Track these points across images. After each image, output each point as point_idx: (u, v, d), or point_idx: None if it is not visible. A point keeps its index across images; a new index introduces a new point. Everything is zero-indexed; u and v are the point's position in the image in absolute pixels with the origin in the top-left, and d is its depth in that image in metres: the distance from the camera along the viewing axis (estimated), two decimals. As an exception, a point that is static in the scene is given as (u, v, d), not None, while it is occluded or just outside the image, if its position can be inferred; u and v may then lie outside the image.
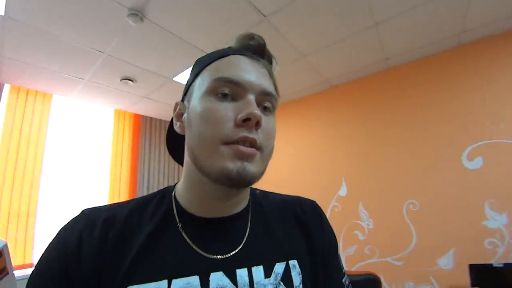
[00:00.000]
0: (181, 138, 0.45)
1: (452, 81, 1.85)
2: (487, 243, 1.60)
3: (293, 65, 2.06)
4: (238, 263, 0.38)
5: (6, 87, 2.29)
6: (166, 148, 0.54)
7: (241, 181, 0.36)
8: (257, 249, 0.40)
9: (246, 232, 0.42)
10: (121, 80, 2.19)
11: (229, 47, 0.45)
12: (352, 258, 2.07)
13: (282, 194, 0.54)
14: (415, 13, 1.54)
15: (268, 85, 0.41)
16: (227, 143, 0.36)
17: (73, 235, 0.37)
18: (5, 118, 2.28)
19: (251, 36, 0.44)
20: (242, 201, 0.45)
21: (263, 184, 0.47)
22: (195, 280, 0.35)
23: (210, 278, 0.36)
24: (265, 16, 1.52)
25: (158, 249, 0.37)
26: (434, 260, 1.73)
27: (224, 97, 0.38)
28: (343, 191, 2.20)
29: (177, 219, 0.41)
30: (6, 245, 0.51)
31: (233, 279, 0.37)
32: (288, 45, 1.80)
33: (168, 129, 0.51)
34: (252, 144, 0.37)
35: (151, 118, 3.27)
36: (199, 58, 0.47)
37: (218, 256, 0.38)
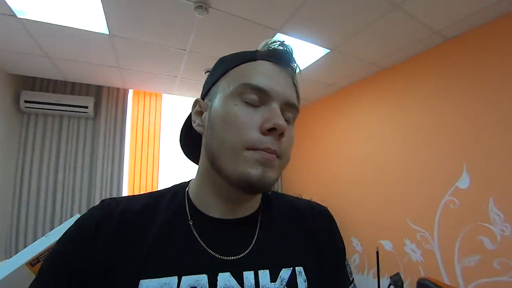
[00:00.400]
0: (195, 135, 0.46)
1: None
2: None
3: (388, 16, 1.64)
4: (246, 265, 0.39)
5: (130, 92, 2.93)
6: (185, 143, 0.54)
7: (260, 187, 0.37)
8: (264, 253, 0.41)
9: (255, 235, 0.42)
10: (205, 72, 2.37)
11: (256, 51, 0.44)
12: (471, 271, 1.55)
13: (294, 197, 0.54)
14: None
15: (292, 96, 0.42)
16: (251, 148, 0.37)
17: (91, 222, 0.38)
18: (131, 116, 2.93)
19: (280, 43, 0.43)
20: (254, 205, 0.46)
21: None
22: (203, 278, 0.36)
23: (218, 278, 0.37)
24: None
25: (169, 245, 0.38)
26: None
27: (250, 103, 0.39)
28: (463, 183, 1.65)
29: (189, 217, 0.42)
30: None
31: (240, 281, 0.37)
32: None
33: (184, 125, 0.51)
34: (273, 152, 0.38)
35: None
36: (223, 57, 0.47)
37: (227, 257, 0.39)
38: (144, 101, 3.00)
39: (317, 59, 2.09)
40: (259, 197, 0.47)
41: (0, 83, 2.22)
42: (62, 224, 0.59)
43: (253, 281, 0.38)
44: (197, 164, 0.48)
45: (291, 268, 0.40)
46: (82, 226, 0.39)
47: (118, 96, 2.88)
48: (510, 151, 1.46)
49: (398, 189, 2.05)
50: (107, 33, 1.74)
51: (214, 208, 0.42)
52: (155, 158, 2.99)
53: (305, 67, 2.23)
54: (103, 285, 0.35)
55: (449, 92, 1.78)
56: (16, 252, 1.97)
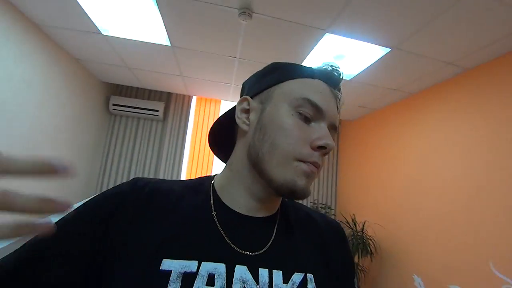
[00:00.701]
0: (227, 129, 0.51)
1: None
2: None
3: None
4: (262, 263, 0.40)
5: (194, 98, 3.22)
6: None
7: (302, 196, 0.41)
8: (279, 255, 0.42)
9: (272, 236, 0.44)
10: (256, 79, 2.40)
11: (313, 68, 0.46)
12: None
13: (309, 208, 0.55)
14: None
15: (337, 119, 0.45)
16: (301, 160, 0.40)
17: (120, 192, 0.42)
18: (194, 120, 3.21)
19: (335, 68, 0.45)
20: (276, 206, 0.48)
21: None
22: (221, 267, 0.37)
23: (235, 269, 0.38)
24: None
25: (192, 231, 0.40)
26: None
27: (305, 116, 0.42)
28: None
29: (212, 208, 0.44)
30: None
31: (255, 276, 0.38)
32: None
33: (219, 119, 0.51)
34: (318, 166, 0.41)
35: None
36: (277, 64, 0.48)
37: (245, 252, 0.40)
38: (205, 106, 3.25)
39: (375, 60, 1.86)
40: (279, 201, 0.49)
41: (95, 89, 2.76)
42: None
43: (267, 279, 0.38)
44: (216, 154, 0.55)
45: (303, 273, 0.41)
46: (111, 194, 0.42)
47: (183, 102, 3.20)
48: None
49: (483, 224, 1.59)
50: (169, 44, 1.96)
51: (239, 204, 0.44)
52: (210, 161, 3.18)
53: (361, 70, 2.01)
54: (121, 252, 0.36)
55: None
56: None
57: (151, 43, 1.96)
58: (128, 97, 3.09)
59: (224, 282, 0.36)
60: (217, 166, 3.17)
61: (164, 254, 0.36)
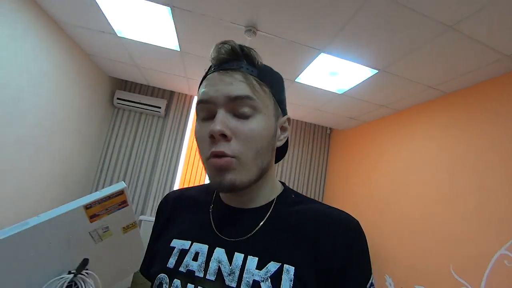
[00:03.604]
0: None
1: None
2: None
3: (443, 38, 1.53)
4: (239, 248, 0.45)
5: (195, 98, 3.37)
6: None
7: (223, 190, 0.45)
8: (259, 243, 0.45)
9: (257, 227, 0.47)
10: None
11: (210, 66, 0.49)
12: None
13: (320, 204, 0.51)
14: None
15: (236, 90, 0.42)
16: (209, 158, 0.43)
17: (159, 205, 0.65)
18: (194, 119, 3.36)
19: (218, 48, 0.45)
20: (256, 199, 0.51)
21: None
22: (205, 248, 0.47)
23: (215, 251, 0.46)
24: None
25: (193, 221, 0.54)
26: None
27: (204, 118, 0.45)
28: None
29: (212, 205, 0.55)
30: (126, 187, 0.79)
31: (230, 258, 0.44)
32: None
33: None
34: (224, 155, 0.41)
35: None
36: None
37: (227, 238, 0.47)
38: (205, 106, 3.40)
39: (364, 79, 2.05)
40: (261, 193, 0.51)
41: (102, 83, 2.89)
42: (110, 186, 0.78)
43: (240, 262, 0.43)
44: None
45: (280, 264, 0.42)
46: (159, 206, 0.64)
47: (185, 101, 3.35)
48: None
49: (445, 232, 1.80)
50: (179, 50, 2.11)
51: (228, 199, 0.53)
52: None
53: (352, 86, 2.21)
54: (164, 235, 0.56)
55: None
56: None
57: (162, 47, 2.11)
58: (132, 92, 3.22)
59: (204, 259, 0.45)
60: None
61: (174, 236, 0.51)
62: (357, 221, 0.47)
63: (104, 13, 1.75)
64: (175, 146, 3.27)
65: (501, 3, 1.16)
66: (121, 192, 0.78)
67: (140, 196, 3.14)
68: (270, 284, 0.40)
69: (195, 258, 0.46)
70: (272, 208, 0.50)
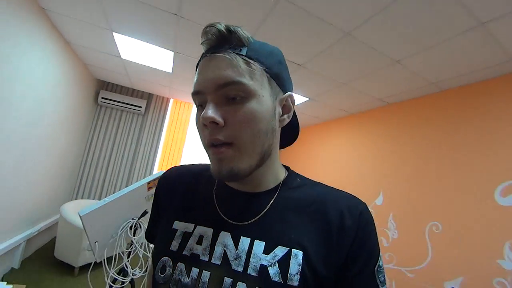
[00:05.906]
0: None
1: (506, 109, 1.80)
2: (496, 282, 1.62)
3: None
4: (245, 232, 0.44)
5: (171, 101, 3.96)
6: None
7: (224, 178, 0.44)
8: (266, 228, 0.44)
9: (263, 211, 0.46)
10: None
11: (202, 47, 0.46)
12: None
13: (330, 188, 0.51)
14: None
15: (225, 75, 0.40)
16: (207, 147, 0.44)
17: (159, 180, 0.60)
18: (170, 117, 3.96)
19: (206, 32, 0.42)
20: (260, 184, 0.49)
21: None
22: (210, 231, 0.46)
23: (220, 235, 0.45)
24: None
25: (195, 202, 0.52)
26: (441, 282, 1.87)
27: (199, 106, 0.44)
28: (379, 201, 2.49)
29: (215, 186, 0.53)
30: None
31: (236, 242, 0.43)
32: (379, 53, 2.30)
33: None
34: (219, 142, 0.41)
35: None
36: None
37: (232, 221, 0.46)
38: (180, 108, 4.02)
39: (301, 102, 3.00)
40: (265, 179, 0.49)
41: (90, 84, 3.30)
42: (158, 172, 1.35)
43: (247, 247, 0.42)
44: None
45: (288, 248, 0.41)
46: (162, 180, 0.60)
47: (162, 102, 3.92)
48: (409, 185, 2.29)
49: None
50: (171, 72, 2.74)
51: (235, 183, 0.50)
52: (180, 149, 3.99)
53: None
54: (162, 215, 0.55)
55: (387, 141, 2.63)
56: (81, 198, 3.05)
57: (157, 69, 2.71)
58: (114, 92, 3.65)
59: (209, 243, 0.44)
60: (185, 158, 4.00)
61: (176, 217, 0.50)
62: (365, 204, 0.47)
63: (116, 43, 2.29)
64: (153, 141, 3.84)
65: (389, 14, 1.43)
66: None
67: (122, 186, 3.66)
68: (278, 269, 0.40)
69: (199, 242, 0.45)
70: (278, 192, 0.49)
